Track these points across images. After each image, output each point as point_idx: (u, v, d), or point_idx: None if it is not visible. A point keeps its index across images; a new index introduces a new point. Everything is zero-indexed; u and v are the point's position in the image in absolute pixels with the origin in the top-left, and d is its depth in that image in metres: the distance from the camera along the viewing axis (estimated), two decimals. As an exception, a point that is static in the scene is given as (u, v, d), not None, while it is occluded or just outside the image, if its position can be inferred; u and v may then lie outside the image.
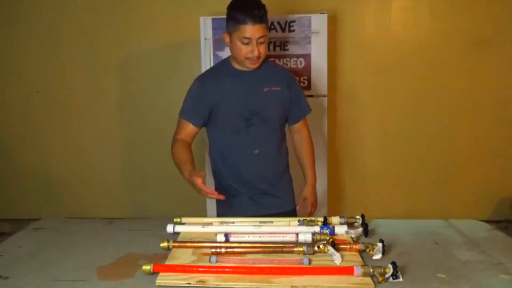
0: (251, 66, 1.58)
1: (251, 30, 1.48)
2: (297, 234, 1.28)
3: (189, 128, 1.63)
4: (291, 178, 1.81)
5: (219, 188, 1.70)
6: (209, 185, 1.65)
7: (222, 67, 1.67)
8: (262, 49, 1.53)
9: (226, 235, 1.27)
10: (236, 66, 1.63)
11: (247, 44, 1.51)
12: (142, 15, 2.99)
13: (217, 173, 1.73)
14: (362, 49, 2.97)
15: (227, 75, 1.63)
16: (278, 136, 1.70)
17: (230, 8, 1.53)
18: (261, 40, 1.52)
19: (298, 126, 1.78)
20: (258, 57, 1.54)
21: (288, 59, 2.53)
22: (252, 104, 1.62)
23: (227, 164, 1.68)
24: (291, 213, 1.74)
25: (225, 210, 1.69)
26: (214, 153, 1.72)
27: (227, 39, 1.57)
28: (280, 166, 1.74)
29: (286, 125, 1.78)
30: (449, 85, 2.97)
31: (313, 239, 1.25)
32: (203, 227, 1.39)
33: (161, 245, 1.26)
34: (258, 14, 1.47)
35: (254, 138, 1.63)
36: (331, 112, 2.80)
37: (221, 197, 1.45)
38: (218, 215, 1.73)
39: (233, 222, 1.42)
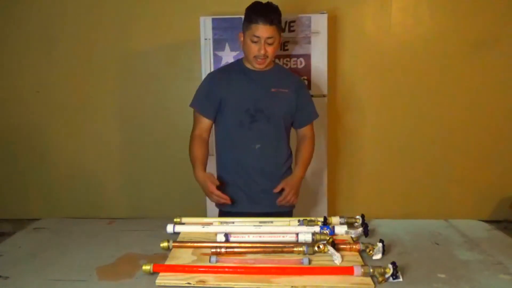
0: (257, 65, 1.66)
1: (261, 29, 1.58)
2: (297, 234, 1.28)
3: (203, 122, 1.73)
4: None
5: (220, 180, 1.75)
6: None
7: (235, 65, 1.77)
8: (270, 50, 1.62)
9: (226, 235, 1.28)
10: (248, 65, 1.71)
11: (256, 42, 1.60)
12: (142, 15, 2.99)
13: (220, 165, 1.79)
14: (362, 49, 2.97)
15: (238, 72, 1.72)
16: (281, 135, 1.75)
17: (247, 9, 1.65)
18: (270, 41, 1.60)
19: (304, 130, 1.83)
20: (265, 57, 1.62)
21: (288, 59, 2.53)
22: (258, 101, 1.68)
23: (230, 156, 1.74)
24: (288, 214, 1.75)
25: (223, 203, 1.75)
26: (219, 145, 1.79)
27: (241, 38, 1.66)
28: (280, 164, 1.76)
29: (293, 129, 1.82)
30: (448, 85, 2.97)
31: (313, 239, 1.25)
32: (203, 227, 1.39)
33: (161, 245, 1.26)
34: (269, 16, 1.58)
35: (256, 134, 1.69)
36: (331, 112, 2.80)
37: (229, 202, 1.61)
38: (217, 206, 1.79)
39: (233, 222, 1.42)
